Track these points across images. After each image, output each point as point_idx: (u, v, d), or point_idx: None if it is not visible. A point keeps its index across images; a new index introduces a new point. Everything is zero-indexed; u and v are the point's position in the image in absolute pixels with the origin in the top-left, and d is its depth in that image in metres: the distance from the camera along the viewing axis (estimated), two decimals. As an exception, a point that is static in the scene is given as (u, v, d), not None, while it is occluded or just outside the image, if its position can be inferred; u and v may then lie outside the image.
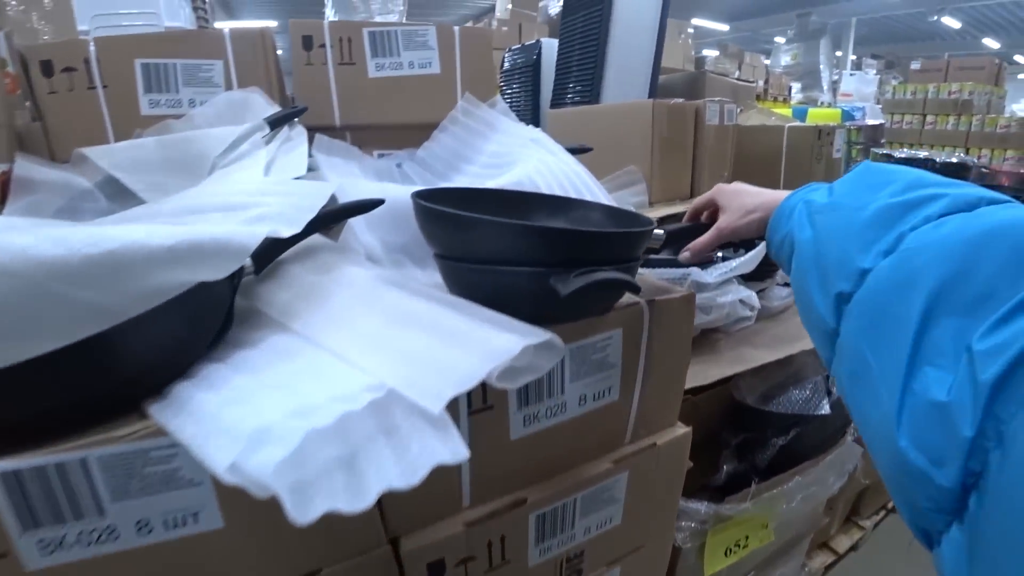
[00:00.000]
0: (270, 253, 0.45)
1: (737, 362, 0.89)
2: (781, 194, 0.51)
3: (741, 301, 0.93)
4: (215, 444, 0.27)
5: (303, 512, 0.25)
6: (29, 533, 0.33)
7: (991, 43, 11.24)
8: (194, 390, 0.32)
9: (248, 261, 0.41)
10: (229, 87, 0.78)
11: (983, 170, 2.41)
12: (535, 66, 1.97)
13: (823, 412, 0.93)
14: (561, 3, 3.98)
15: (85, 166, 0.67)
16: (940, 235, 0.30)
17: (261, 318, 0.41)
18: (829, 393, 0.98)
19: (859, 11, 8.56)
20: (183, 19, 1.07)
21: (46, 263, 0.30)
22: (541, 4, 4.11)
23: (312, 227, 0.45)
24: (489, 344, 0.32)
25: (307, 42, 0.79)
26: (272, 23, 8.45)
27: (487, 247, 0.41)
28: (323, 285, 0.42)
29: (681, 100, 1.33)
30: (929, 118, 4.62)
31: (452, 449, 0.30)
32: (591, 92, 1.61)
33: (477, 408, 0.43)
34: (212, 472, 0.26)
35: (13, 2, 0.85)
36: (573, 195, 0.63)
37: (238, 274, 0.41)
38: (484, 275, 0.42)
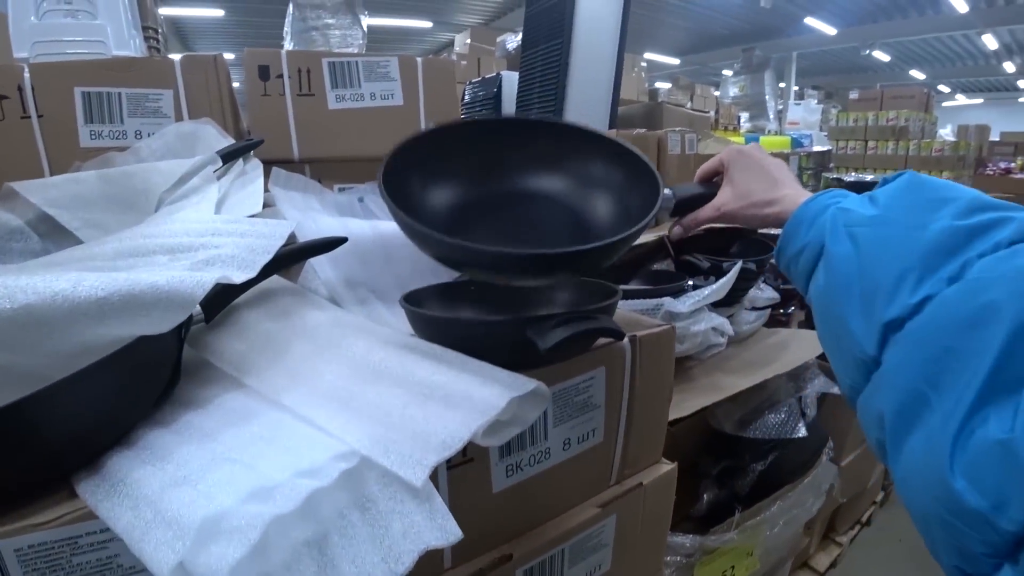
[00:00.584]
0: (222, 299, 0.41)
1: (713, 390, 0.88)
2: (798, 192, 0.47)
3: (713, 328, 0.92)
4: (156, 538, 0.23)
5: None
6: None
7: (917, 74, 12.27)
8: (133, 464, 0.28)
9: (197, 308, 0.37)
10: (179, 118, 0.74)
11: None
12: (496, 98, 1.98)
13: (800, 435, 0.93)
14: (519, 38, 4.07)
15: (15, 202, 0.61)
16: (1016, 266, 0.28)
17: (212, 372, 0.37)
18: (804, 415, 0.98)
19: (799, 46, 9.13)
20: (133, 49, 1.02)
21: None
22: (499, 39, 4.21)
23: (269, 269, 0.41)
24: (471, 399, 0.29)
25: (264, 72, 0.76)
26: (229, 55, 8.37)
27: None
28: (281, 334, 0.38)
29: (644, 130, 1.35)
30: (871, 143, 4.96)
31: (441, 527, 0.26)
32: (552, 125, 1.63)
33: (456, 462, 0.40)
34: (153, 573, 0.22)
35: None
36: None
37: (186, 323, 0.36)
38: (457, 327, 0.40)
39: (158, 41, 1.53)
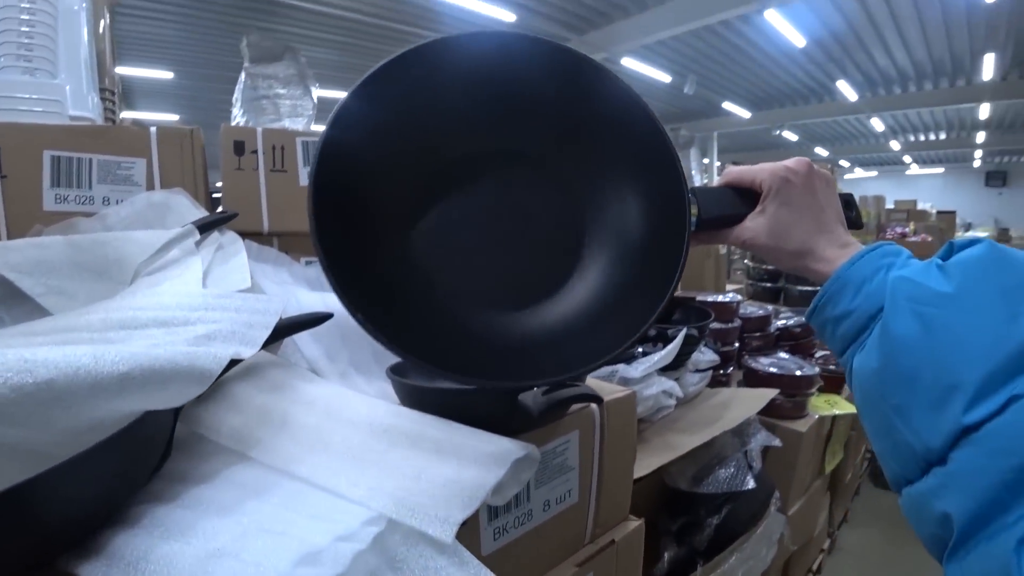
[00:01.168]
0: (215, 373, 0.42)
1: (667, 449, 0.93)
2: (843, 244, 0.41)
3: (664, 391, 0.98)
4: None
5: None
6: None
7: (822, 151, 13.90)
8: (149, 542, 0.28)
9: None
10: (151, 187, 0.74)
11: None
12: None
13: (749, 487, 0.99)
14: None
15: None
16: None
17: (207, 446, 0.37)
18: (751, 468, 1.04)
19: (719, 126, 10.14)
20: (90, 108, 1.02)
21: None
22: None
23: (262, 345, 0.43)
24: (481, 459, 0.32)
25: (239, 147, 0.79)
26: (174, 117, 8.23)
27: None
28: (278, 406, 0.39)
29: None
30: None
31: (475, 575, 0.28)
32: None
33: (446, 527, 0.41)
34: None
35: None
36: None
37: (182, 398, 0.37)
38: (448, 396, 0.42)
39: (114, 103, 1.52)
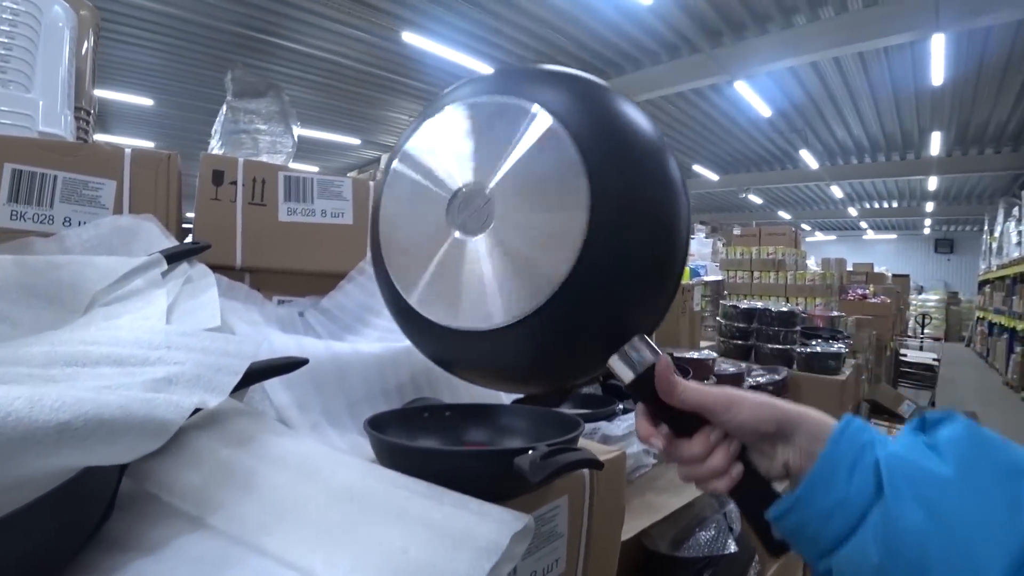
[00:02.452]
0: (172, 420, 0.37)
1: (648, 511, 0.89)
2: (812, 423, 0.35)
3: (645, 450, 0.95)
4: None
5: None
6: None
7: (784, 214, 14.60)
8: None
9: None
10: (119, 211, 0.70)
11: (803, 315, 2.91)
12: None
13: (731, 551, 0.95)
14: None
15: None
16: None
17: (156, 507, 0.32)
18: (731, 530, 1.00)
19: (689, 188, 10.55)
20: (62, 126, 0.98)
21: None
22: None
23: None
24: (474, 537, 0.28)
25: (217, 177, 0.75)
26: (149, 144, 8.13)
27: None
28: (244, 463, 0.34)
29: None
30: (756, 274, 5.67)
31: None
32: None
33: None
34: None
35: None
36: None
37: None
38: (439, 457, 0.39)
39: (88, 124, 1.47)
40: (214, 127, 3.72)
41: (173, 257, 0.63)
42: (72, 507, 0.28)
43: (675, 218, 0.39)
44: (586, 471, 0.49)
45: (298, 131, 4.01)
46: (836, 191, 11.37)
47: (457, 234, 0.39)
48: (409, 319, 0.41)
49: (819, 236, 18.24)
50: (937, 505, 0.28)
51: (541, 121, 0.37)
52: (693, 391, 0.36)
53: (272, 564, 0.27)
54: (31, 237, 0.64)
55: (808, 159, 8.83)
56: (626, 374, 0.37)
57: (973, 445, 0.30)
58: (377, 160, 6.42)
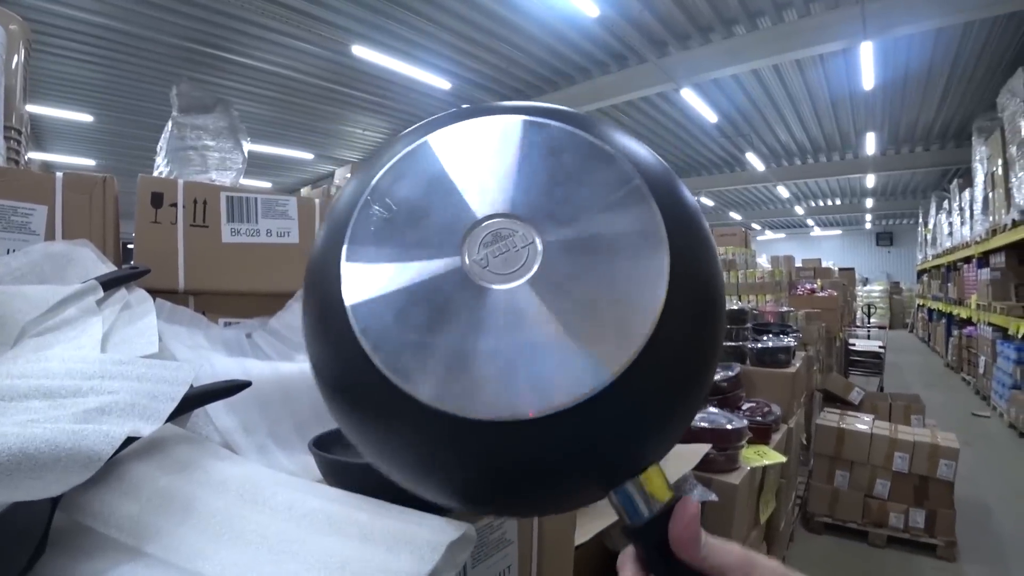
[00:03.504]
0: (108, 451, 0.36)
1: (606, 512, 0.91)
2: None
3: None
4: None
5: None
6: None
7: (736, 215, 15.16)
8: None
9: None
10: (51, 237, 0.67)
11: (755, 312, 3.02)
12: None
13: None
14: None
15: None
16: None
17: (95, 541, 0.32)
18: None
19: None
20: (-11, 151, 0.95)
21: None
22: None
23: (168, 418, 0.38)
24: (411, 540, 0.29)
25: (156, 199, 0.73)
26: (90, 162, 7.75)
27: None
28: (183, 489, 0.34)
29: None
30: None
31: None
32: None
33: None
34: None
35: None
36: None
37: (63, 484, 0.32)
38: (375, 471, 0.39)
39: (19, 143, 1.40)
40: (159, 143, 3.60)
41: (110, 283, 0.61)
42: (-2, 545, 0.28)
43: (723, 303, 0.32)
44: None
45: (248, 146, 3.91)
46: (782, 191, 11.87)
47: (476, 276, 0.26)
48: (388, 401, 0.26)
49: (769, 235, 18.97)
50: None
51: (624, 169, 0.28)
52: (717, 549, 0.28)
53: None
54: (-43, 269, 0.62)
55: (755, 161, 9.19)
56: (637, 513, 0.27)
57: None
58: (331, 175, 6.32)
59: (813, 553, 2.00)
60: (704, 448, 1.20)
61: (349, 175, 4.36)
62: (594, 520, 0.87)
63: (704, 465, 1.25)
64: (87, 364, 0.40)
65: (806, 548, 2.04)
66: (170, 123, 3.59)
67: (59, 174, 0.71)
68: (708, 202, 12.98)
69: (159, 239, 0.73)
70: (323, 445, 0.43)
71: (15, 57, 1.42)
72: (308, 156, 8.38)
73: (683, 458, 1.14)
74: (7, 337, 0.51)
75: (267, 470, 0.38)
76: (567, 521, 0.57)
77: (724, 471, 1.37)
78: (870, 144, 8.39)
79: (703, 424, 1.38)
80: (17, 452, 0.25)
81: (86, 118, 6.29)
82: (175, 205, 0.74)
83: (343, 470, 0.39)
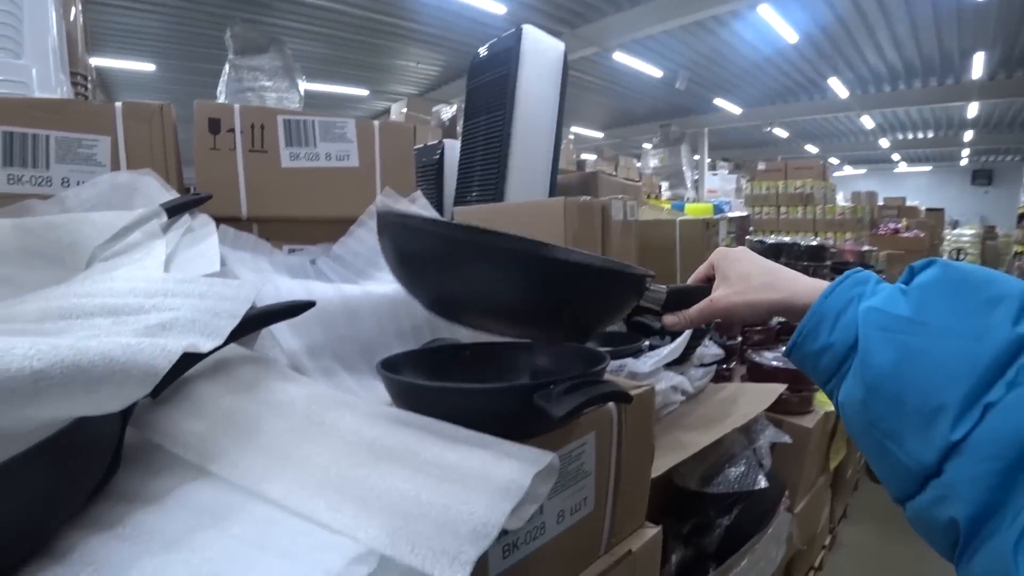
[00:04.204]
0: (173, 371, 0.35)
1: (677, 448, 0.88)
2: (803, 282, 0.42)
3: (673, 387, 0.93)
4: None
5: None
6: None
7: (811, 148, 14.00)
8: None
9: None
10: (116, 168, 0.67)
11: (833, 250, 2.82)
12: (438, 165, 2.01)
13: (761, 486, 0.94)
14: (454, 109, 4.20)
15: None
16: None
17: (162, 458, 0.31)
18: (761, 466, 0.99)
19: (710, 123, 10.12)
20: (60, 94, 0.96)
21: None
22: (434, 109, 4.35)
23: (230, 336, 0.36)
24: (491, 479, 0.25)
25: (214, 125, 0.72)
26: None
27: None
28: (248, 409, 0.33)
29: (588, 198, 1.40)
30: (783, 209, 5.49)
31: None
32: (495, 191, 1.66)
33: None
34: None
35: None
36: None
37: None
38: (455, 395, 0.36)
39: (87, 88, 1.44)
40: (218, 87, 3.64)
41: (174, 209, 0.61)
42: (69, 458, 0.27)
43: None
44: (613, 407, 0.47)
45: (304, 85, 3.90)
46: (867, 121, 10.77)
47: None
48: None
49: (848, 170, 17.49)
50: (906, 346, 0.32)
51: None
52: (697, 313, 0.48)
53: (273, 511, 0.26)
54: (30, 200, 0.63)
55: (838, 88, 8.34)
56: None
57: (943, 286, 0.33)
58: (386, 111, 6.25)
59: (876, 502, 1.93)
60: (779, 388, 1.13)
61: (405, 110, 4.29)
62: (662, 457, 0.84)
63: (776, 406, 1.18)
64: (150, 283, 0.39)
65: (869, 497, 1.97)
66: (227, 66, 3.62)
67: (118, 103, 0.70)
68: (782, 133, 12.01)
69: (219, 166, 0.71)
70: (392, 367, 0.40)
71: (72, 8, 1.43)
72: (363, 93, 8.32)
73: (757, 397, 1.09)
74: (79, 262, 0.52)
75: (333, 392, 0.36)
76: (645, 453, 0.54)
77: (797, 413, 1.30)
78: (977, 67, 7.35)
79: (776, 363, 1.30)
80: (71, 365, 0.24)
81: (149, 67, 6.47)
82: (232, 131, 0.72)
83: (414, 392, 0.37)
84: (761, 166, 6.14)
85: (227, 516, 0.25)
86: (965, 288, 0.32)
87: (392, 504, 0.25)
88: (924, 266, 0.35)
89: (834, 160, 15.70)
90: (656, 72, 7.32)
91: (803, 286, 0.42)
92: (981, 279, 0.33)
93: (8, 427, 0.23)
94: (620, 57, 6.49)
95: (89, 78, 1.60)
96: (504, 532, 0.38)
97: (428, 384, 0.37)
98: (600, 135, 11.22)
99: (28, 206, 0.62)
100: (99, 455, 0.29)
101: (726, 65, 7.63)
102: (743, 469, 0.97)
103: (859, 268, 0.40)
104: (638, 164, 7.19)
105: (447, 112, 4.10)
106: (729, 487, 0.94)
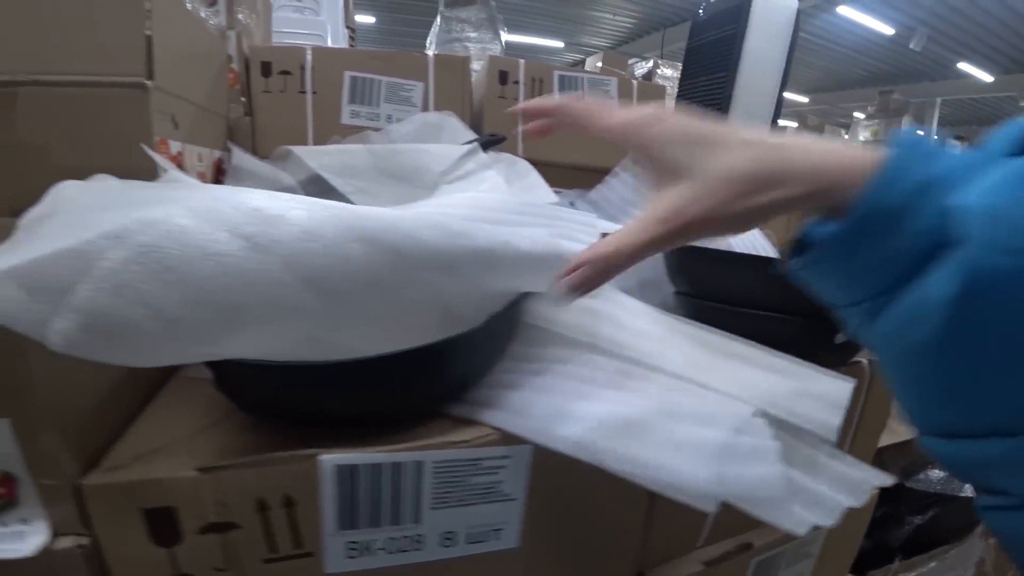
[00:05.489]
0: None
1: (886, 433, 0.85)
2: (815, 153, 0.24)
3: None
4: (683, 459, 0.26)
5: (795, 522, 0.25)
6: (341, 534, 0.31)
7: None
8: (561, 398, 0.31)
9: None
10: (425, 109, 0.81)
11: None
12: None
13: (965, 494, 0.88)
14: (649, 65, 4.03)
15: (288, 163, 0.69)
16: None
17: (544, 335, 0.40)
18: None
19: (945, 92, 8.39)
20: (343, 42, 1.21)
21: (429, 247, 0.28)
22: (629, 63, 4.24)
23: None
24: (820, 392, 0.31)
25: (503, 77, 0.82)
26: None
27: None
28: (606, 309, 0.40)
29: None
30: None
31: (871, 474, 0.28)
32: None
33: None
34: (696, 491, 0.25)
35: (245, 9, 0.94)
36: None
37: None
38: (749, 320, 0.41)
39: (353, 40, 1.71)
40: (428, 38, 3.94)
41: (484, 146, 0.72)
42: (513, 319, 0.37)
43: None
44: (866, 366, 0.49)
45: (505, 37, 4.05)
46: None
47: None
48: None
49: None
50: None
51: None
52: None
53: (673, 380, 0.32)
54: (367, 131, 0.79)
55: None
56: None
57: None
58: (580, 63, 6.21)
59: None
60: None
61: (600, 64, 4.26)
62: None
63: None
64: (511, 203, 0.49)
65: None
66: (438, 18, 3.90)
67: (431, 53, 0.83)
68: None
69: (504, 113, 0.82)
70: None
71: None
72: (559, 44, 8.38)
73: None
74: (425, 183, 0.65)
75: (662, 312, 0.43)
76: (880, 418, 0.55)
77: None
78: None
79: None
80: (551, 253, 0.33)
81: (369, 19, 7.20)
82: (517, 82, 0.83)
83: (713, 318, 0.42)
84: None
85: (630, 376, 0.33)
86: None
87: (765, 381, 0.31)
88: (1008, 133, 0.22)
89: None
90: (887, 29, 6.25)
91: (822, 160, 0.24)
92: None
93: (504, 290, 0.33)
94: (845, 11, 5.66)
95: (355, 30, 1.88)
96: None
97: (735, 309, 0.42)
98: (804, 100, 9.98)
99: (365, 136, 0.78)
100: (519, 323, 0.39)
101: (981, 20, 6.24)
102: (946, 474, 0.91)
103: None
104: (846, 136, 6.33)
105: (641, 68, 3.99)
106: (930, 487, 0.89)
